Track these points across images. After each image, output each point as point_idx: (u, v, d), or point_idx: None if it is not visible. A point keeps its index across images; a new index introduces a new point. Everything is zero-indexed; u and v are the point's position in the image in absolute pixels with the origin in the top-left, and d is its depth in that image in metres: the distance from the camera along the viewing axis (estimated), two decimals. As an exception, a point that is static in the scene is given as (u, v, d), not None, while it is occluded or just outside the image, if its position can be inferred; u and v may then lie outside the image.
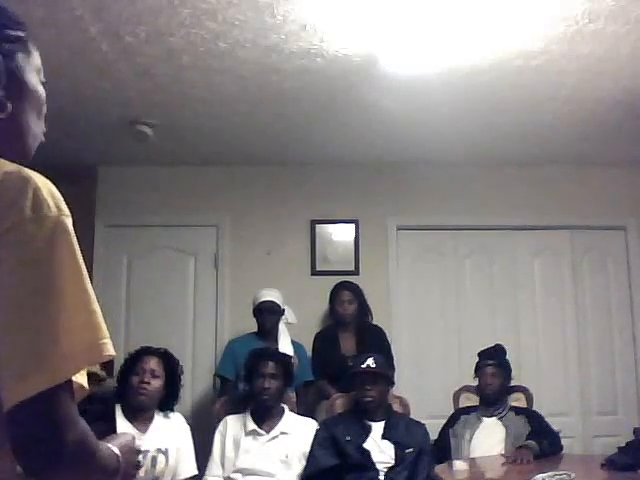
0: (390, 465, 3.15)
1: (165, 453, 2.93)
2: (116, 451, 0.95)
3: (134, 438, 1.05)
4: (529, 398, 3.73)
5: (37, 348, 0.78)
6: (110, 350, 0.84)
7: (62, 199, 0.85)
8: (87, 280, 0.84)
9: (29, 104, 0.95)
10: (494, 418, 3.46)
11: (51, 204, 0.82)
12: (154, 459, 2.88)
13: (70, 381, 0.82)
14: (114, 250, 4.53)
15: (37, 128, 0.98)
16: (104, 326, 0.85)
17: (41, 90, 0.98)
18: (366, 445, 3.20)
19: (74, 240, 0.83)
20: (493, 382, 3.53)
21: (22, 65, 0.94)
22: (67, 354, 0.80)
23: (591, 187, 4.80)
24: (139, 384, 2.97)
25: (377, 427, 3.29)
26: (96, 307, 0.85)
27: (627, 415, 4.53)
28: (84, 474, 0.87)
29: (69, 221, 0.84)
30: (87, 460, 0.85)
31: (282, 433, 3.26)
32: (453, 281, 4.72)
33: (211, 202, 4.68)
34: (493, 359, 3.59)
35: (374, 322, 4.28)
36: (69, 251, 0.82)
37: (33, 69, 0.97)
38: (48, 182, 0.84)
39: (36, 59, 0.98)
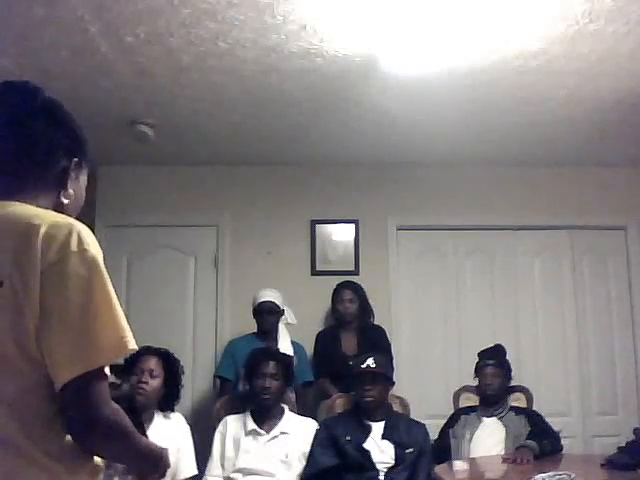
0: (390, 465, 3.15)
1: (165, 453, 2.93)
2: (163, 447, 1.30)
3: (167, 451, 1.33)
4: (529, 398, 3.73)
5: (80, 344, 1.08)
6: (132, 344, 1.14)
7: (95, 239, 1.16)
8: (114, 296, 1.14)
9: (80, 200, 1.33)
10: (494, 418, 3.46)
11: (90, 242, 1.14)
12: (154, 459, 2.88)
13: (103, 370, 1.11)
14: (114, 250, 4.52)
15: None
16: (127, 327, 1.14)
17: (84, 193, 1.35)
18: (366, 445, 3.20)
19: (104, 269, 1.14)
20: (493, 382, 3.53)
21: (83, 169, 1.33)
22: (100, 348, 1.10)
23: (591, 187, 4.80)
24: (137, 384, 2.98)
25: (377, 427, 3.29)
26: (121, 314, 1.14)
27: (627, 415, 4.53)
28: (119, 445, 1.16)
29: (101, 255, 1.15)
30: (120, 432, 1.14)
31: (282, 433, 3.26)
32: (453, 281, 4.72)
33: (211, 202, 4.68)
34: (493, 359, 3.59)
35: (375, 322, 4.29)
36: (102, 277, 1.13)
37: (84, 174, 1.34)
38: (85, 227, 1.15)
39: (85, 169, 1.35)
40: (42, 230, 1.10)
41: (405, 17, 2.67)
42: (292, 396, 3.57)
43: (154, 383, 3.02)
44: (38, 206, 1.20)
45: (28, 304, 1.06)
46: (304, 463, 3.20)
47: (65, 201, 1.27)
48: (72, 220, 1.16)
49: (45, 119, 1.24)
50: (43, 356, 1.07)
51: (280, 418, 3.31)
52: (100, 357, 1.10)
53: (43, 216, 1.14)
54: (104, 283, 1.13)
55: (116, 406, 1.13)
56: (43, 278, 1.07)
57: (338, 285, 4.28)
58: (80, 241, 1.12)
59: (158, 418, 3.04)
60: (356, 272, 4.59)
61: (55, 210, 1.24)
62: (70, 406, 1.08)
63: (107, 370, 1.13)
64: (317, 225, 4.67)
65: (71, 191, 1.28)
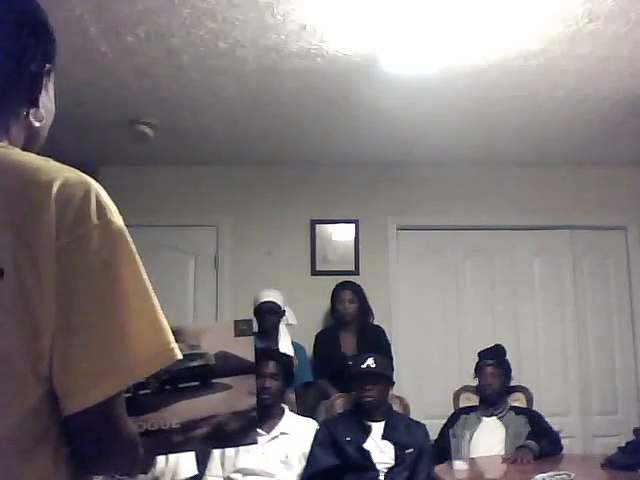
0: (390, 465, 3.15)
1: (165, 453, 2.92)
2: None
3: None
4: (529, 398, 3.72)
5: (109, 354, 0.79)
6: (178, 354, 0.86)
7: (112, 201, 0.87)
8: (149, 284, 0.85)
9: (51, 115, 1.00)
10: (494, 418, 3.46)
11: (112, 209, 0.84)
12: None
13: None
14: (114, 250, 4.52)
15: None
16: (169, 330, 0.87)
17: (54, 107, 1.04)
18: (366, 445, 3.20)
19: (132, 244, 0.85)
20: (493, 382, 3.53)
21: (52, 80, 1.01)
22: (139, 359, 0.81)
23: (591, 187, 4.80)
24: None
25: (377, 427, 3.28)
26: (160, 311, 0.86)
27: (627, 415, 4.54)
28: (132, 462, 0.92)
29: (123, 224, 0.85)
30: (135, 450, 0.89)
31: (282, 433, 3.25)
32: (453, 281, 4.72)
33: (211, 202, 4.68)
34: (493, 359, 3.59)
35: (375, 322, 4.29)
36: (131, 257, 0.84)
37: (52, 81, 1.02)
38: (99, 185, 0.85)
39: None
40: (54, 190, 0.79)
41: (405, 17, 2.67)
42: (292, 396, 3.57)
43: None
44: (12, 143, 0.89)
45: (40, 299, 0.77)
46: (304, 463, 3.20)
47: (37, 124, 0.95)
48: (85, 176, 0.84)
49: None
50: (51, 368, 0.78)
51: (280, 418, 3.31)
52: (139, 371, 0.82)
53: (49, 169, 0.82)
54: (136, 267, 0.84)
55: (131, 421, 0.90)
56: (59, 262, 0.78)
57: (338, 285, 4.28)
58: (102, 208, 0.82)
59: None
60: (356, 272, 4.59)
61: (27, 140, 0.94)
62: (87, 431, 0.81)
63: None
64: (317, 225, 4.67)
65: (42, 111, 0.96)
